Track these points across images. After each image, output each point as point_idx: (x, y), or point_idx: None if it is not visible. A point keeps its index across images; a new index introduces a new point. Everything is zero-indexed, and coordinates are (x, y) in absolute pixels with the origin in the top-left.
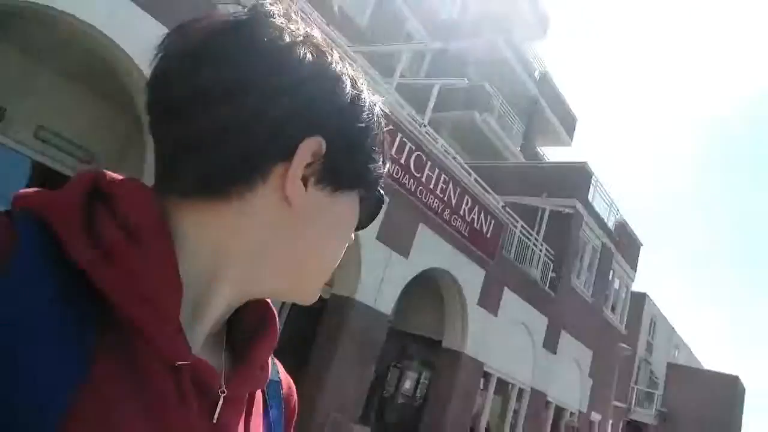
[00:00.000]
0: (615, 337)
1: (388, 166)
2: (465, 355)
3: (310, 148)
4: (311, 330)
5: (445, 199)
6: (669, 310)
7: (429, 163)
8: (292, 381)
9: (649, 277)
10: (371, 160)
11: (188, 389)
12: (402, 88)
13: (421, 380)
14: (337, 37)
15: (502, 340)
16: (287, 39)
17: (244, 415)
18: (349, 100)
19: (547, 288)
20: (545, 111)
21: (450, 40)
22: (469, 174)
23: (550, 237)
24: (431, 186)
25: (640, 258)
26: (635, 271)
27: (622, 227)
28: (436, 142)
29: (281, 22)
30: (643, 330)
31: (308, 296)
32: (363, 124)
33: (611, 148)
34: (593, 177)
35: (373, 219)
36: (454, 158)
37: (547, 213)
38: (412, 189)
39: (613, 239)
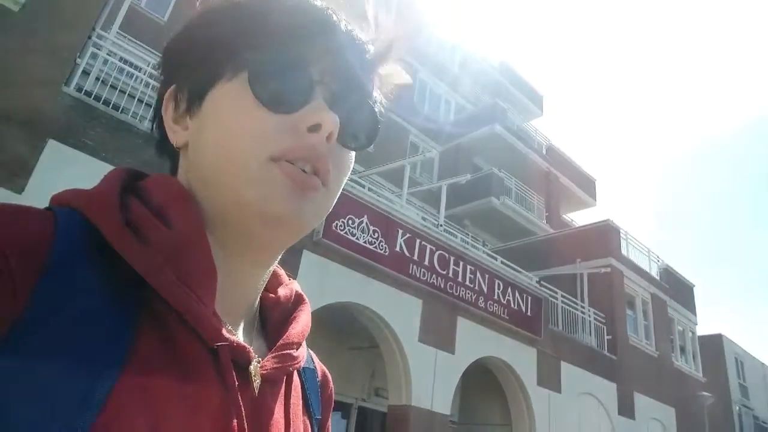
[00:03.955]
0: (696, 387)
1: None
2: None
3: (169, 100)
4: None
5: (476, 288)
6: (755, 345)
7: (452, 258)
8: (326, 369)
9: (722, 316)
10: (211, 50)
11: (228, 369)
12: (419, 194)
13: None
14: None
15: (573, 415)
16: None
17: (283, 398)
18: (183, 33)
19: (606, 352)
20: (560, 180)
21: (451, 140)
22: (495, 259)
23: (595, 300)
24: (459, 279)
25: (697, 299)
26: (694, 313)
27: (668, 273)
28: (455, 237)
29: None
30: (731, 373)
31: (250, 210)
32: (192, 37)
33: (644, 196)
34: (621, 231)
35: (301, 72)
36: (475, 247)
37: (585, 277)
38: (441, 286)
39: (661, 287)
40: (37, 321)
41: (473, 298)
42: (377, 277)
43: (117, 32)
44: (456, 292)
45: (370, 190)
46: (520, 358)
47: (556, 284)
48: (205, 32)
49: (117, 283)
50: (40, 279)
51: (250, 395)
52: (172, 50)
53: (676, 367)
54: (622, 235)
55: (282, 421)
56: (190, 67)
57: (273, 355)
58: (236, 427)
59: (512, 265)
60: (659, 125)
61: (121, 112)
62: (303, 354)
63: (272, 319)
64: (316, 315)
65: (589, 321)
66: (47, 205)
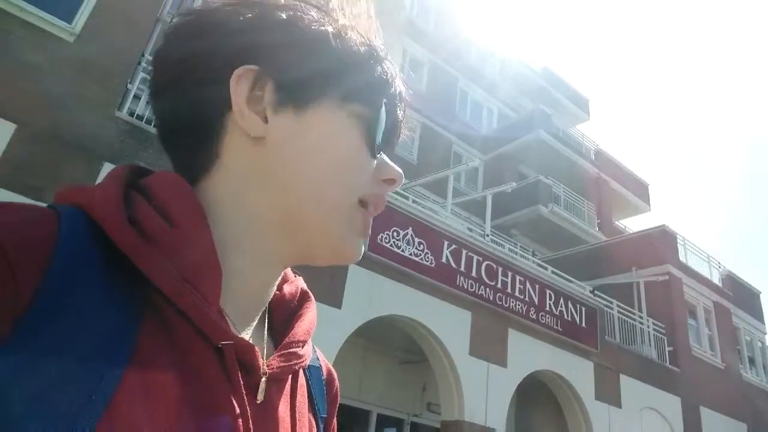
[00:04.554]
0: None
1: (395, 77)
2: None
3: (244, 79)
4: None
5: (527, 299)
6: None
7: (500, 269)
8: (331, 367)
9: None
10: (342, 65)
11: (233, 368)
12: (464, 205)
13: None
14: None
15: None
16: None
17: (289, 396)
18: (282, 18)
19: (668, 364)
20: (610, 185)
21: (495, 148)
22: (545, 268)
23: (654, 310)
24: (509, 290)
25: (765, 307)
26: (763, 322)
27: (731, 279)
28: (502, 247)
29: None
30: None
31: (330, 243)
32: (310, 34)
33: (704, 198)
34: (678, 236)
35: (392, 130)
36: (524, 257)
37: (642, 286)
38: (491, 298)
39: (724, 294)
40: (40, 321)
41: (524, 309)
42: (424, 290)
43: None
44: (506, 303)
45: (414, 202)
46: (576, 372)
47: (611, 294)
48: (321, 45)
49: (120, 280)
50: (44, 278)
51: (255, 394)
52: (268, 28)
53: (746, 380)
54: (679, 240)
55: (288, 420)
56: (295, 63)
57: (279, 353)
58: (241, 427)
59: (564, 274)
60: (719, 122)
61: None
62: (308, 352)
63: (278, 316)
64: (365, 329)
65: (648, 331)
66: (50, 203)
